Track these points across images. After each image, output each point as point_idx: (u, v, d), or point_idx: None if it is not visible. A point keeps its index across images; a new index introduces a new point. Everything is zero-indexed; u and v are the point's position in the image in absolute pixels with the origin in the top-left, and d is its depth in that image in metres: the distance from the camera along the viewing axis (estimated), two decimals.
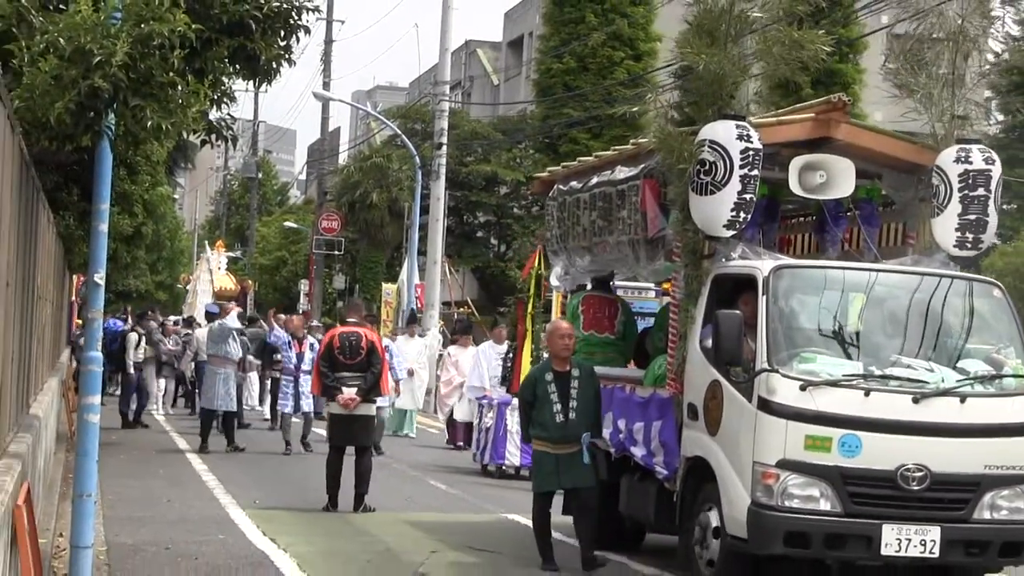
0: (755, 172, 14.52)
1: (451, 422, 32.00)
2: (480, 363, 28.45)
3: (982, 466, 13.53)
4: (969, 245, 14.95)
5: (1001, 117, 43.24)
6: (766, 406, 13.44)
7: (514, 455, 25.37)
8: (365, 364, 20.49)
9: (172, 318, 48.22)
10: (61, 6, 11.02)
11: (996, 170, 15.04)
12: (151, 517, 18.74)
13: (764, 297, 13.82)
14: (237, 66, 14.77)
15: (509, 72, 79.52)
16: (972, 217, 14.86)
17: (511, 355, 25.36)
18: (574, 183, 18.43)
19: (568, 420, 15.49)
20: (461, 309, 55.54)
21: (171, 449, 28.58)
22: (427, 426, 36.90)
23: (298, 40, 14.95)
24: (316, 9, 15.19)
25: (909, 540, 13.25)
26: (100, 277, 12.77)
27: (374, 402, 21.21)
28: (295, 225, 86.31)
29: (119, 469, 23.54)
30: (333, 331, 21.89)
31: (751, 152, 14.44)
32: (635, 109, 22.54)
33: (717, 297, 14.74)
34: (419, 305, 44.80)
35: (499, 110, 71.57)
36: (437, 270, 47.14)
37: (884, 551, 13.29)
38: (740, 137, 14.44)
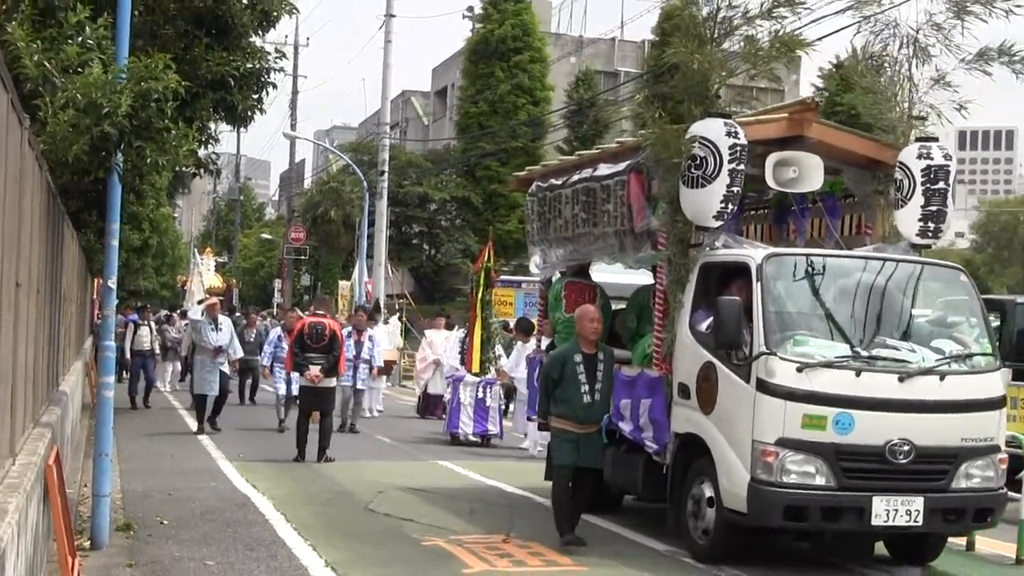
0: (742, 167, 12.56)
1: (425, 395, 30.21)
2: (454, 347, 26.02)
3: (959, 439, 11.75)
4: (930, 234, 13.14)
5: None
6: (765, 387, 11.45)
7: (467, 425, 23.61)
8: (328, 347, 20.17)
9: (164, 312, 47.41)
10: (78, 69, 10.90)
11: (953, 165, 13.26)
12: (157, 469, 18.36)
13: (759, 284, 11.83)
14: (220, 114, 14.75)
15: (436, 115, 79.20)
16: (934, 208, 13.04)
17: (465, 338, 25.04)
18: (553, 180, 16.10)
19: (594, 401, 13.06)
20: (401, 300, 55.36)
21: (174, 418, 27.45)
22: (396, 399, 35.62)
23: (268, 94, 15.06)
24: (282, 70, 15.25)
25: (896, 510, 11.49)
26: (112, 282, 12.68)
27: (333, 378, 20.54)
28: (270, 236, 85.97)
29: (132, 432, 22.90)
30: (303, 320, 21.43)
31: (738, 148, 12.49)
32: (629, 107, 20.95)
33: (704, 284, 12.80)
34: (368, 298, 44.64)
35: (429, 145, 71.49)
36: (381, 270, 46.84)
37: (875, 521, 11.50)
38: (728, 134, 12.46)
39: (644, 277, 16.15)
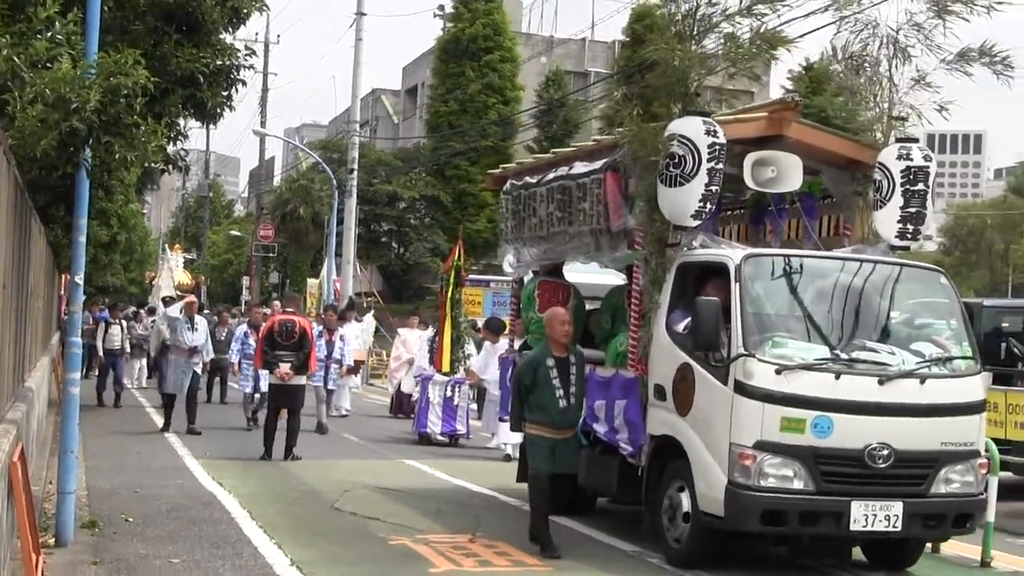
0: (720, 165, 12.21)
1: (399, 394, 29.81)
2: (423, 347, 25.77)
3: (939, 443, 11.47)
4: (909, 236, 12.90)
5: None
6: (743, 389, 11.14)
7: (435, 424, 23.44)
8: (298, 345, 19.96)
9: (132, 309, 47.01)
10: (47, 64, 10.84)
11: (933, 167, 12.98)
12: (123, 467, 18.27)
13: (737, 284, 11.52)
14: (189, 110, 14.68)
15: (406, 113, 78.99)
16: (913, 210, 12.80)
17: (435, 337, 24.80)
18: (528, 178, 15.71)
19: (569, 405, 12.74)
20: (369, 298, 55.30)
21: (141, 415, 27.15)
22: (363, 397, 35.54)
23: (237, 91, 14.94)
24: (251, 67, 15.18)
25: (875, 515, 11.23)
26: (79, 278, 12.57)
27: (303, 375, 20.46)
28: (239, 233, 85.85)
29: (99, 429, 22.81)
30: (273, 318, 21.28)
31: (717, 146, 12.15)
32: (602, 106, 20.09)
33: (681, 284, 12.48)
34: (337, 296, 44.57)
35: (398, 143, 71.36)
36: (350, 268, 46.76)
37: (853, 526, 11.23)
38: (708, 132, 12.12)
39: (618, 277, 16.05)
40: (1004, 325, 19.17)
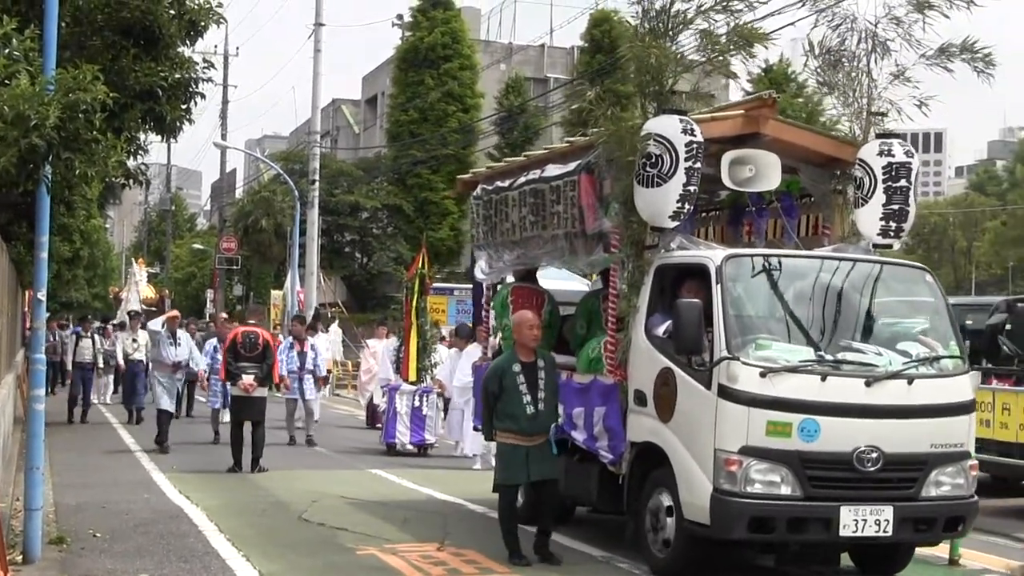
0: (698, 165, 11.80)
1: (371, 406, 29.40)
2: (386, 357, 25.74)
3: (928, 445, 11.08)
4: (892, 233, 12.48)
5: None
6: (727, 393, 10.72)
7: (404, 434, 23.09)
8: (261, 357, 19.92)
9: (98, 324, 46.63)
10: (5, 81, 10.81)
11: (915, 163, 12.59)
12: (90, 482, 18.13)
13: (718, 286, 11.09)
14: (149, 125, 14.65)
15: (367, 123, 78.95)
16: (895, 207, 12.39)
17: (401, 346, 24.38)
18: (499, 182, 15.30)
19: (538, 411, 12.31)
20: (333, 308, 55.21)
21: (108, 431, 27.04)
22: (329, 408, 34.97)
23: (196, 104, 14.93)
24: (210, 79, 15.16)
25: (865, 520, 10.83)
26: (42, 295, 12.50)
27: (267, 387, 20.34)
28: (202, 246, 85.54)
29: (66, 445, 22.84)
30: (237, 329, 21.03)
31: (695, 145, 11.74)
32: (574, 107, 19.17)
33: (660, 287, 12.12)
34: (300, 307, 44.46)
35: (359, 153, 71.31)
36: (313, 279, 46.69)
37: (843, 532, 10.81)
38: (685, 131, 11.71)
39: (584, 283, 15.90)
40: (968, 323, 19.25)
